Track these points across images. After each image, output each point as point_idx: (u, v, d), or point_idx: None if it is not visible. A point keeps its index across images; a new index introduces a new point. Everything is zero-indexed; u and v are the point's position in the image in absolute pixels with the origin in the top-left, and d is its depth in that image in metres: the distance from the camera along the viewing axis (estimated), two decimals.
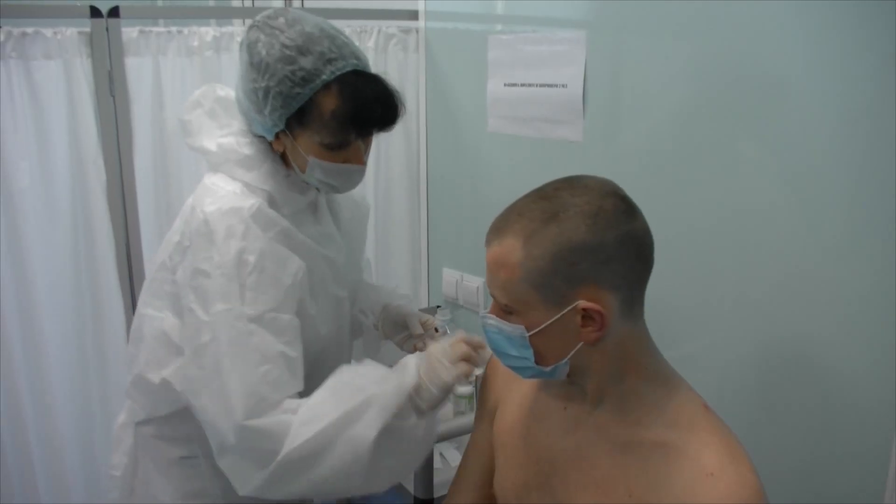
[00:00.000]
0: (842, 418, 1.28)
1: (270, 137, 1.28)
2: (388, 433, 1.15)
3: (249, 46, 1.23)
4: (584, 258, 0.90)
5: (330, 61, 1.21)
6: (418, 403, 1.17)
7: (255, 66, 1.22)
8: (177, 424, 1.35)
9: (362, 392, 1.17)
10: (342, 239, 1.44)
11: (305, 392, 1.21)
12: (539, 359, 0.96)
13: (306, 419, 1.16)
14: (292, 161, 1.29)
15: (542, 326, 0.93)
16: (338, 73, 1.21)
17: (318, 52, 1.21)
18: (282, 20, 1.23)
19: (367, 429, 1.14)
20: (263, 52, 1.21)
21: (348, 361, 1.52)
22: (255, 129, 1.30)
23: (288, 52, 1.20)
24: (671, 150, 1.51)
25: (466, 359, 1.22)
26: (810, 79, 1.26)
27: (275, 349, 1.19)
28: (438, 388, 1.18)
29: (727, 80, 1.38)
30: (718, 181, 1.42)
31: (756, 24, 1.32)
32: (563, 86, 1.73)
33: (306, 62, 1.20)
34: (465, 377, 1.21)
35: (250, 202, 1.24)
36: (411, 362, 1.20)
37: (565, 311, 0.92)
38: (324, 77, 1.21)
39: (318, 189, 1.36)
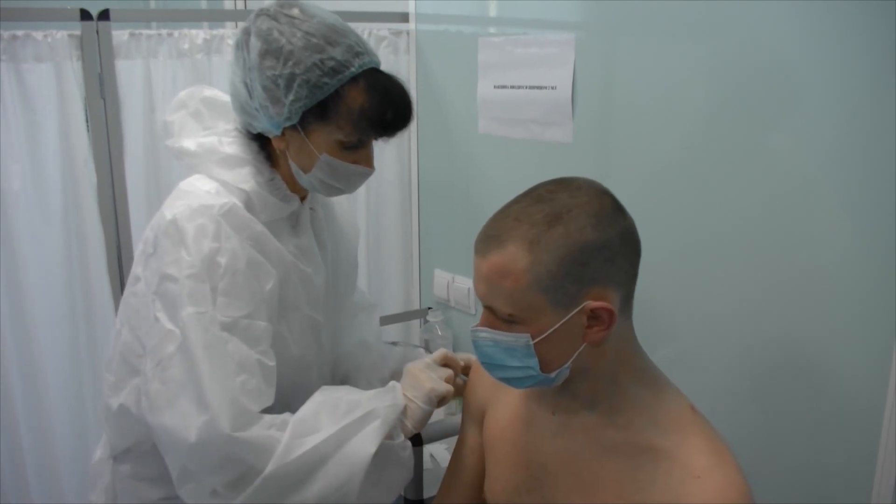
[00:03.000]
0: (831, 419, 1.29)
1: (277, 132, 1.19)
2: (380, 452, 1.11)
3: (261, 34, 1.15)
4: (593, 257, 0.90)
5: (358, 55, 1.16)
6: (405, 422, 1.17)
7: (274, 53, 1.13)
8: (152, 463, 1.22)
9: (360, 406, 1.12)
10: (323, 259, 1.33)
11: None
12: (543, 365, 0.95)
13: (300, 432, 1.08)
14: (293, 160, 1.21)
15: (550, 332, 0.92)
16: (365, 67, 1.16)
17: (346, 45, 1.15)
18: (297, 10, 1.17)
19: (366, 444, 1.09)
20: (283, 40, 1.13)
21: None
22: (256, 125, 1.21)
23: (315, 40, 1.13)
24: (661, 151, 1.51)
25: (446, 364, 1.23)
26: (804, 80, 1.26)
27: (252, 358, 1.10)
28: (423, 399, 1.17)
29: (716, 80, 1.39)
30: (709, 180, 1.42)
31: (746, 25, 1.32)
32: (552, 87, 1.74)
33: (336, 52, 1.13)
34: (450, 382, 1.21)
35: (222, 201, 1.15)
36: (395, 384, 1.20)
37: (573, 313, 0.91)
38: (352, 70, 1.15)
39: (308, 191, 1.28)
